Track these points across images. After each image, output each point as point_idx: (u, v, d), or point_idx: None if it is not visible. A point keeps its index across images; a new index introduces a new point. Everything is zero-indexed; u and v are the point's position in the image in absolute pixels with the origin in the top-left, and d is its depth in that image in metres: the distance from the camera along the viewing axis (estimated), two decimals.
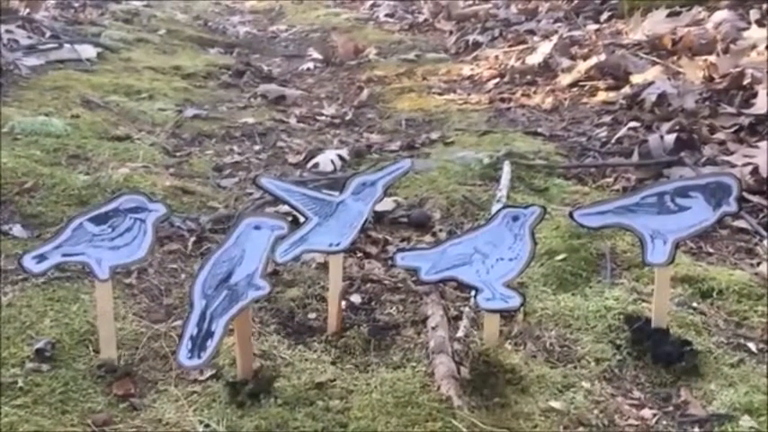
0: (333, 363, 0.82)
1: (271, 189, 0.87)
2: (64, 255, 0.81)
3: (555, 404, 0.76)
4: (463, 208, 1.24)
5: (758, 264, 1.04)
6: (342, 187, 0.87)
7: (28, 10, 2.45)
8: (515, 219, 0.81)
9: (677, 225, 0.83)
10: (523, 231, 0.81)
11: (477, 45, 2.54)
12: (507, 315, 0.90)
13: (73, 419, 0.73)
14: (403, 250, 0.90)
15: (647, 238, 0.83)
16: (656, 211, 0.83)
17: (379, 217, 1.20)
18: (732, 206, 0.83)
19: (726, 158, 1.32)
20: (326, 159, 1.48)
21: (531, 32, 2.48)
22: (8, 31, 2.14)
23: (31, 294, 0.93)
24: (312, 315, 0.93)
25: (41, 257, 0.80)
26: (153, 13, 3.21)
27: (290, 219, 0.86)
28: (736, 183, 0.82)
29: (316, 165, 1.48)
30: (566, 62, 2.00)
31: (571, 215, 0.85)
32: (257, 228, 0.76)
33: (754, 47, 1.74)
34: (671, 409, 0.77)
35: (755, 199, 1.20)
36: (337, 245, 0.86)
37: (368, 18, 3.46)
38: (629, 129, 1.51)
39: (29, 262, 0.80)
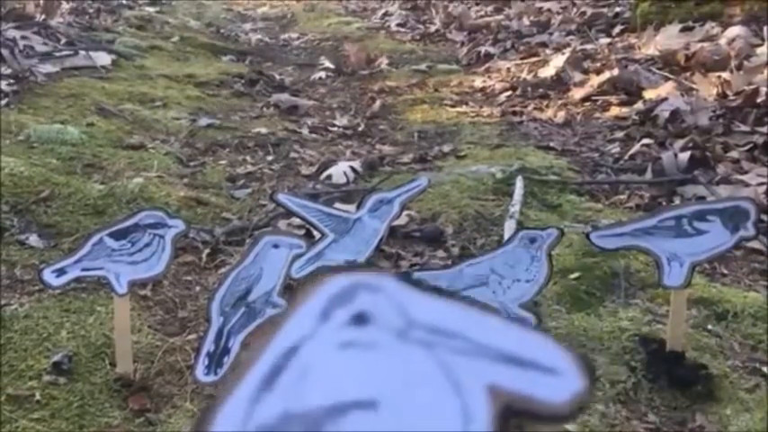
0: None
1: (288, 205, 0.87)
2: (83, 269, 0.81)
3: (570, 427, 0.75)
4: (476, 223, 1.24)
5: None
6: (359, 203, 0.88)
7: (44, 16, 2.48)
8: (533, 240, 0.82)
9: (694, 248, 0.83)
10: (540, 253, 0.81)
11: (488, 57, 2.54)
12: None
13: None
14: (419, 269, 0.91)
15: (664, 261, 0.83)
16: (674, 235, 0.83)
17: (391, 231, 1.21)
18: (750, 230, 0.83)
19: (740, 177, 1.31)
20: (339, 171, 1.49)
21: (544, 45, 2.49)
22: (24, 38, 2.17)
23: (47, 305, 0.94)
24: None
25: (61, 271, 0.81)
26: (166, 20, 3.24)
27: (303, 232, 0.87)
28: (754, 207, 0.82)
29: (329, 177, 1.48)
30: (578, 76, 2.00)
31: (588, 237, 0.85)
32: (276, 246, 0.77)
33: (767, 64, 1.74)
34: None
35: None
36: (353, 262, 0.86)
37: (379, 27, 3.48)
38: (642, 145, 1.51)
39: (48, 275, 0.81)
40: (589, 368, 0.26)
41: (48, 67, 2.04)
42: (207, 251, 1.12)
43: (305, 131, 1.85)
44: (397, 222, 1.21)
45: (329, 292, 0.28)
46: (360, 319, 0.28)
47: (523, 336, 0.27)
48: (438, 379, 0.27)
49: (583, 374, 0.26)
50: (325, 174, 1.49)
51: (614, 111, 1.81)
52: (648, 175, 1.37)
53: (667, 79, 1.85)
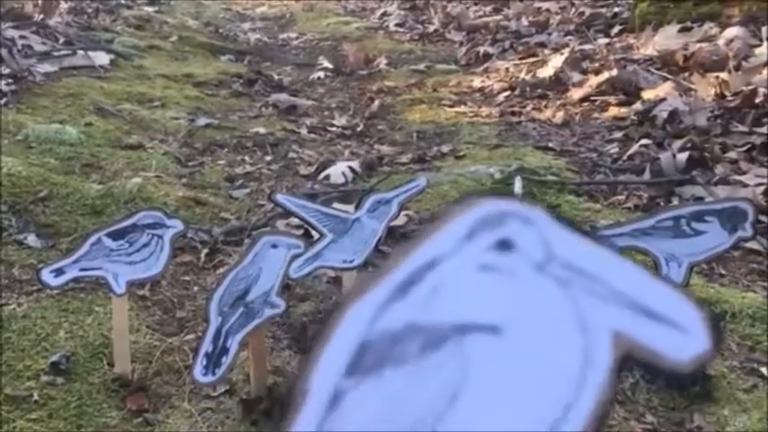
0: None
1: (286, 205, 0.87)
2: (81, 269, 0.81)
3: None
4: None
5: None
6: (357, 203, 0.88)
7: (42, 16, 2.47)
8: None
9: (692, 249, 0.83)
10: None
11: (487, 57, 2.54)
12: None
13: None
14: None
15: (663, 262, 0.83)
16: (672, 235, 0.83)
17: (390, 231, 1.20)
18: (748, 231, 0.83)
19: (738, 178, 1.31)
20: (338, 171, 1.49)
21: (542, 45, 2.49)
22: (22, 37, 2.16)
23: (45, 305, 0.94)
24: None
25: (59, 271, 0.81)
26: (164, 20, 3.24)
27: (301, 232, 0.87)
28: (752, 208, 0.82)
29: (327, 177, 1.48)
30: (577, 76, 2.00)
31: None
32: (274, 246, 0.77)
33: (766, 64, 1.74)
34: None
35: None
36: (351, 262, 0.86)
37: (378, 27, 3.48)
38: (641, 146, 1.51)
39: (47, 276, 0.81)
40: (718, 330, 0.26)
41: (46, 67, 2.03)
42: (205, 251, 1.12)
43: (303, 131, 1.85)
44: (395, 222, 1.21)
45: (479, 214, 0.28)
46: (504, 246, 0.28)
47: (658, 288, 0.27)
48: (566, 316, 0.27)
49: (711, 335, 0.26)
50: (323, 174, 1.49)
51: (613, 111, 1.81)
52: (647, 176, 1.37)
53: (666, 80, 1.85)
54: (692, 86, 1.76)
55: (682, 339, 0.26)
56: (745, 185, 1.27)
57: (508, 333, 0.26)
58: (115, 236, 0.81)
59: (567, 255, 0.27)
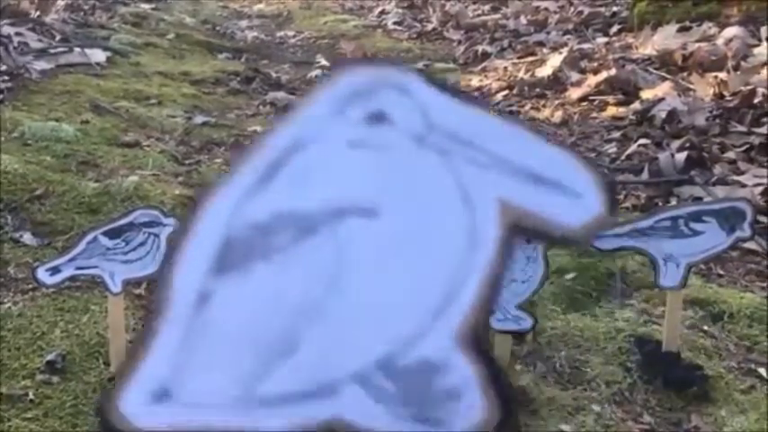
0: None
1: None
2: (77, 267, 0.81)
3: (565, 427, 0.75)
4: None
5: None
6: None
7: (39, 12, 2.46)
8: (528, 241, 0.81)
9: (690, 249, 0.83)
10: (537, 254, 0.81)
11: (485, 56, 2.54)
12: (517, 335, 0.90)
13: None
14: None
15: (661, 262, 0.83)
16: (670, 235, 0.83)
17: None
18: (746, 231, 0.83)
19: (736, 178, 1.32)
20: None
21: (541, 44, 2.49)
22: (18, 34, 2.15)
23: (41, 304, 0.93)
24: None
25: (55, 270, 0.81)
26: (161, 17, 3.22)
27: None
28: (751, 208, 0.82)
29: None
30: (575, 76, 2.00)
31: None
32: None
33: (765, 64, 1.74)
34: None
35: (766, 220, 1.20)
36: None
37: (376, 25, 3.47)
38: (639, 145, 1.51)
39: (42, 274, 0.80)
40: (611, 192, 0.25)
41: (42, 64, 2.02)
42: None
43: None
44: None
45: (349, 84, 0.26)
46: (377, 118, 0.25)
47: (546, 152, 0.25)
48: (449, 190, 0.25)
49: (603, 198, 0.24)
50: None
51: (611, 111, 1.81)
52: (645, 176, 1.37)
53: (664, 79, 1.85)
54: (691, 86, 1.76)
55: (572, 204, 0.25)
56: (744, 186, 1.27)
57: (386, 213, 0.25)
58: (111, 234, 0.80)
59: (448, 123, 0.25)
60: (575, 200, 0.28)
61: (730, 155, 1.41)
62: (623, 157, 1.50)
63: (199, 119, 1.83)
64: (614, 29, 2.50)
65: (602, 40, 2.40)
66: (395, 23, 3.42)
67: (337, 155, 0.27)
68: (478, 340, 0.27)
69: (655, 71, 1.94)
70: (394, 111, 0.27)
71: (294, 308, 0.26)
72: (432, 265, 0.27)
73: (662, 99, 1.68)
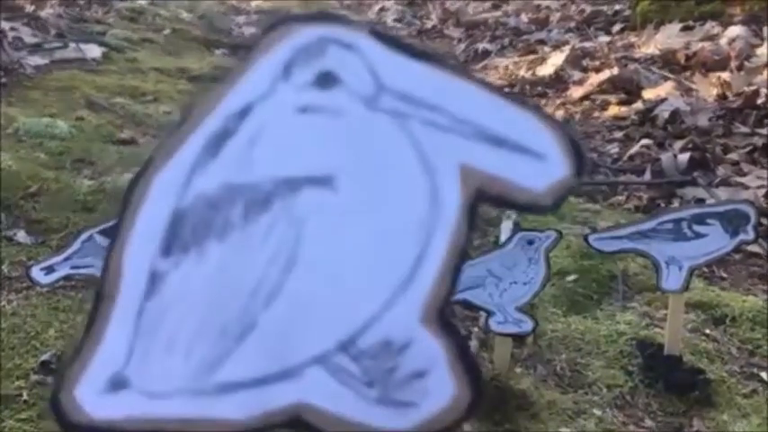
0: None
1: None
2: (72, 267, 0.80)
3: (565, 430, 0.74)
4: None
5: None
6: None
7: (33, 7, 2.43)
8: (530, 242, 0.80)
9: (693, 252, 0.82)
10: (538, 255, 0.80)
11: (486, 54, 2.53)
12: (517, 338, 0.89)
13: None
14: None
15: (663, 265, 0.82)
16: (673, 238, 0.83)
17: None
18: (749, 234, 0.82)
19: (739, 179, 1.31)
20: None
21: (542, 42, 2.47)
22: (13, 29, 2.13)
23: (35, 303, 0.92)
24: None
25: (50, 269, 0.79)
26: (158, 12, 3.19)
27: None
28: (754, 211, 0.82)
29: None
30: (577, 74, 1.99)
31: (586, 239, 0.84)
32: None
33: (767, 65, 1.73)
34: None
35: None
36: None
37: (375, 22, 3.45)
38: (642, 146, 1.50)
39: (37, 273, 0.79)
40: (578, 154, 0.22)
41: (37, 60, 2.00)
42: None
43: None
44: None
45: (293, 44, 0.23)
46: (325, 80, 0.23)
47: (507, 112, 0.22)
48: (406, 155, 0.22)
49: (570, 161, 0.22)
50: None
51: (613, 110, 1.80)
52: (647, 177, 1.36)
53: (667, 79, 1.84)
54: (694, 86, 1.75)
55: (537, 167, 0.23)
56: (747, 187, 1.26)
57: (342, 183, 0.23)
58: (107, 233, 0.79)
59: (400, 83, 0.23)
60: (538, 162, 0.25)
61: (733, 156, 1.41)
62: (625, 158, 1.49)
63: None
64: (617, 27, 2.48)
65: (604, 38, 2.39)
66: (394, 20, 3.40)
67: (286, 122, 0.25)
68: (444, 314, 0.24)
69: (657, 70, 1.92)
70: (344, 71, 0.25)
71: (251, 288, 0.24)
72: (392, 237, 0.24)
73: (664, 99, 1.66)
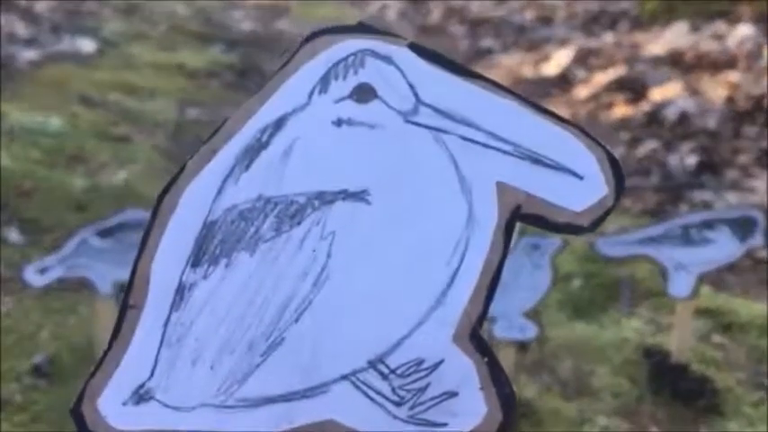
0: None
1: None
2: (66, 268, 0.78)
3: None
4: None
5: None
6: None
7: (27, 0, 2.39)
8: (536, 248, 0.79)
9: (702, 258, 0.81)
10: (543, 261, 0.79)
11: (490, 52, 2.50)
12: (522, 344, 0.87)
13: None
14: None
15: (671, 270, 0.81)
16: (681, 243, 0.81)
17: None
18: (759, 240, 0.81)
19: (748, 183, 1.29)
20: None
21: (547, 41, 2.44)
22: (6, 23, 2.09)
23: (29, 305, 0.90)
24: None
25: (43, 270, 0.78)
26: (154, 6, 3.15)
27: None
28: (764, 217, 0.80)
29: None
30: (582, 74, 1.96)
31: (593, 245, 0.83)
32: None
33: None
34: None
35: None
36: None
37: (376, 18, 3.41)
38: (649, 149, 1.48)
39: (30, 275, 0.78)
40: (619, 174, 0.22)
41: (31, 54, 1.97)
42: None
43: None
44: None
45: (331, 56, 0.23)
46: (363, 93, 0.23)
47: (545, 129, 0.22)
48: (443, 171, 0.23)
49: (610, 181, 0.22)
50: None
51: (620, 111, 1.77)
52: (654, 180, 1.34)
53: (674, 79, 1.82)
54: (702, 87, 1.73)
55: (576, 186, 0.22)
56: (756, 191, 1.24)
57: (376, 199, 0.23)
58: (102, 235, 0.78)
59: (439, 98, 0.23)
60: (577, 182, 0.24)
61: (742, 159, 1.38)
62: (632, 160, 1.47)
63: (192, 112, 1.78)
64: (623, 26, 2.45)
65: (610, 37, 2.36)
66: (396, 16, 3.36)
67: (321, 135, 0.24)
68: (476, 334, 0.23)
69: (665, 70, 1.90)
70: (381, 85, 0.24)
71: (281, 302, 0.23)
72: (427, 254, 0.23)
73: (672, 100, 1.64)
